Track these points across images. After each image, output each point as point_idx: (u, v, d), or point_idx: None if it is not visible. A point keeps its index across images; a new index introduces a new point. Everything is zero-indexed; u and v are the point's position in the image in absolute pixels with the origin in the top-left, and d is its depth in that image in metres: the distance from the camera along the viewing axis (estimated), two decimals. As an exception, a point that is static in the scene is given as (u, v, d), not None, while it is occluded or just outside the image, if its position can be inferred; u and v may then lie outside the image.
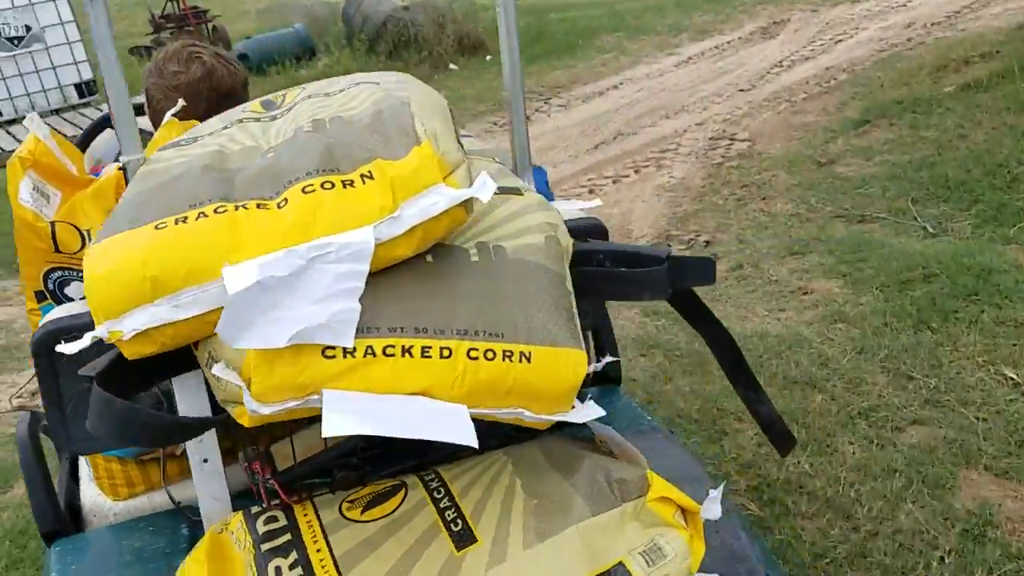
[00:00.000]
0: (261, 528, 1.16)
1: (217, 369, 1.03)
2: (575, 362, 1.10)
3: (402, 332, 1.02)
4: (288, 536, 1.14)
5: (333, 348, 0.99)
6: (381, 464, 1.29)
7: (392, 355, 1.01)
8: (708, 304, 1.45)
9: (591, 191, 5.99)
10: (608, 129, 7.45)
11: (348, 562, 1.08)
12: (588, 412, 1.14)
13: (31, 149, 1.60)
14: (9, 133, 9.51)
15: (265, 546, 1.13)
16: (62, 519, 1.59)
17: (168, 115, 1.54)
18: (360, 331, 1.00)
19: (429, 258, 1.11)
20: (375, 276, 1.04)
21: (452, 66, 10.66)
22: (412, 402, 1.01)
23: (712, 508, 1.16)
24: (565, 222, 1.34)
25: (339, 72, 10.52)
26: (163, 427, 1.10)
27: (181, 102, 1.64)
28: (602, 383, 1.87)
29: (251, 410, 1.01)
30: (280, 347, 0.97)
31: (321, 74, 10.42)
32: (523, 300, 1.10)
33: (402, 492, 1.20)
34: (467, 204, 1.09)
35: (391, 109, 1.15)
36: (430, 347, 1.02)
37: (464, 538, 1.11)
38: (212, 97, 1.80)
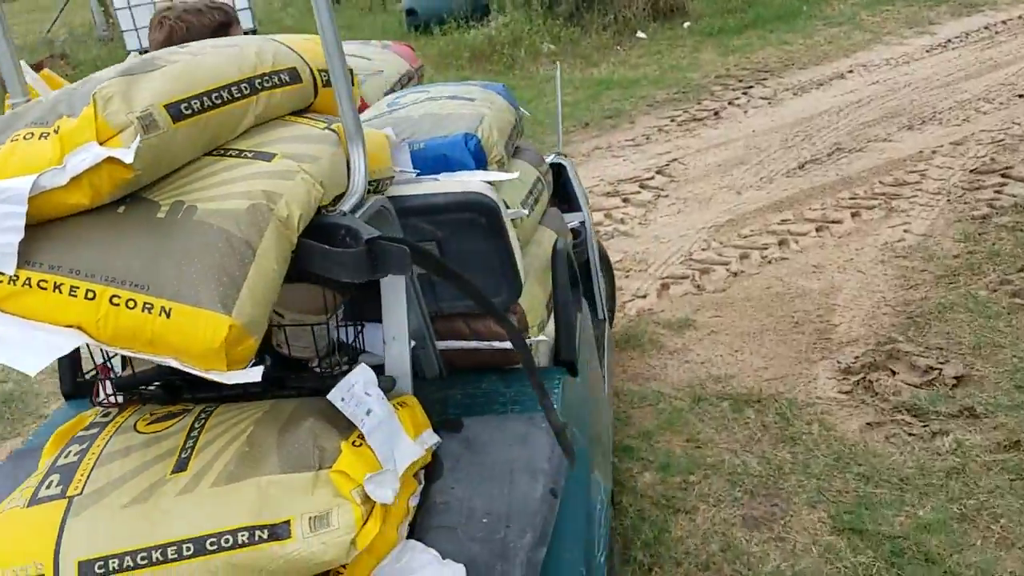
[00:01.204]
0: (95, 419, 1.44)
1: None
2: (215, 326, 1.12)
3: (58, 270, 1.15)
4: (97, 429, 1.39)
5: (3, 274, 1.14)
6: (194, 389, 1.49)
7: (45, 288, 1.14)
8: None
9: (781, 241, 4.25)
10: (822, 140, 5.56)
11: (104, 461, 1.29)
12: (244, 375, 1.16)
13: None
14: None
15: (81, 432, 1.40)
16: (79, 385, 1.86)
17: None
18: (27, 263, 1.15)
19: (121, 209, 1.20)
20: (67, 219, 1.18)
21: (640, 34, 8.93)
22: (34, 331, 1.14)
23: (379, 491, 1.20)
24: (448, 194, 1.67)
25: (506, 36, 9.13)
26: None
27: None
28: (559, 365, 1.93)
29: None
30: None
31: (487, 36, 9.04)
32: (185, 260, 1.14)
33: (181, 416, 1.38)
34: (127, 164, 1.14)
35: (125, 70, 1.24)
36: (77, 287, 1.14)
37: (181, 465, 1.25)
38: None
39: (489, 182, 1.78)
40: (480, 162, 1.87)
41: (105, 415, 1.44)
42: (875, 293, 3.65)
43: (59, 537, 1.21)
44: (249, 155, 1.30)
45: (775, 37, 8.28)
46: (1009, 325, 3.22)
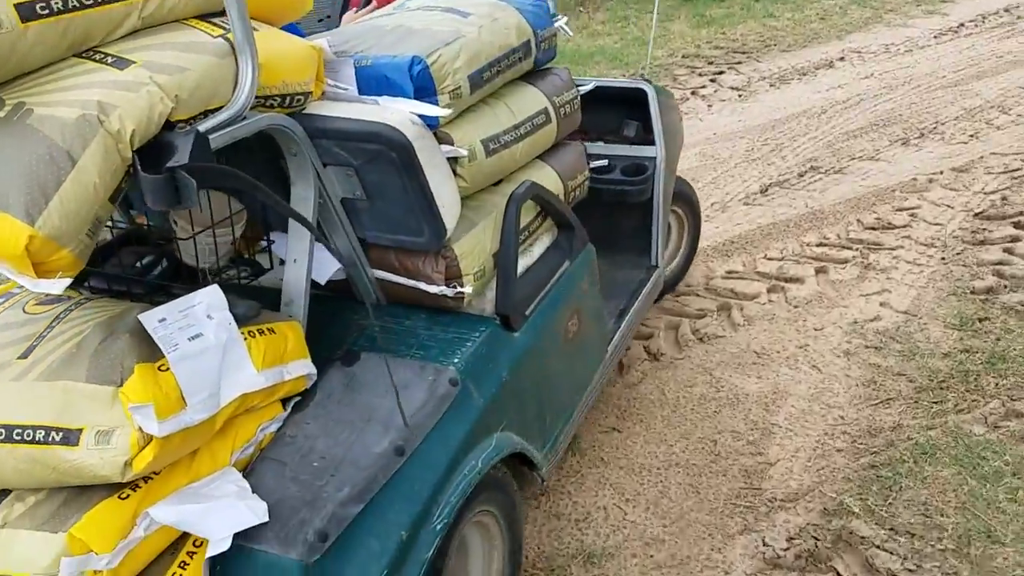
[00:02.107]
0: (12, 289, 1.54)
1: None
2: (17, 234, 1.12)
3: None
4: (2, 300, 1.49)
5: None
6: (88, 279, 1.61)
7: None
8: None
9: (721, 307, 3.25)
10: (795, 153, 4.51)
11: None
12: (51, 286, 1.17)
13: None
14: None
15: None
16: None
17: None
18: None
19: None
20: None
21: (609, -6, 7.77)
22: None
23: (145, 423, 1.19)
24: (357, 121, 1.55)
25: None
26: None
27: None
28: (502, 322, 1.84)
29: None
30: None
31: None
32: (6, 163, 1.14)
33: (60, 303, 1.43)
34: None
35: None
36: None
37: (27, 352, 1.32)
38: None
39: (422, 116, 1.65)
40: (425, 90, 1.69)
41: (21, 287, 1.52)
42: (831, 409, 2.66)
43: None
44: (109, 61, 1.28)
45: (760, 8, 7.14)
46: (1013, 499, 2.24)
